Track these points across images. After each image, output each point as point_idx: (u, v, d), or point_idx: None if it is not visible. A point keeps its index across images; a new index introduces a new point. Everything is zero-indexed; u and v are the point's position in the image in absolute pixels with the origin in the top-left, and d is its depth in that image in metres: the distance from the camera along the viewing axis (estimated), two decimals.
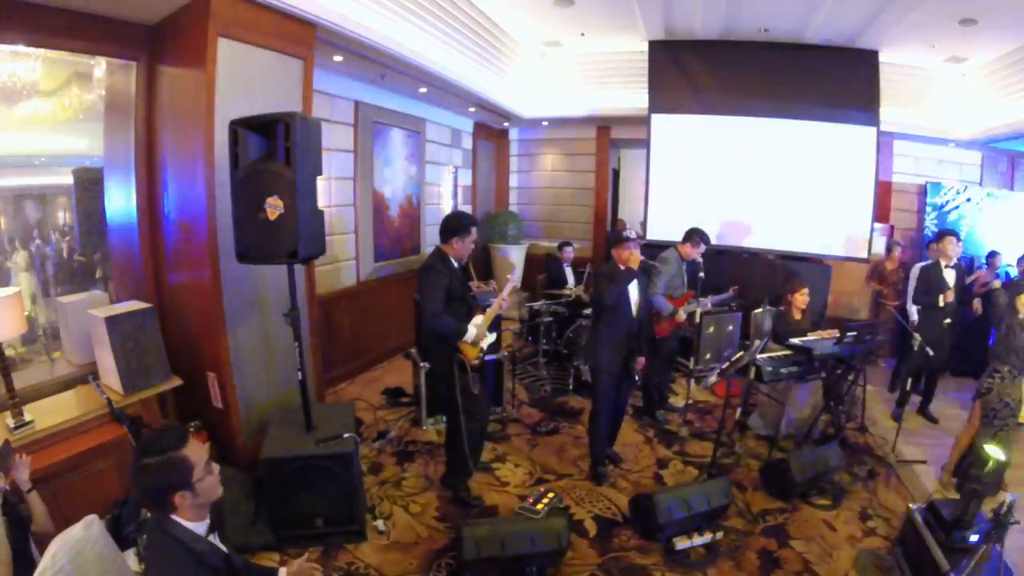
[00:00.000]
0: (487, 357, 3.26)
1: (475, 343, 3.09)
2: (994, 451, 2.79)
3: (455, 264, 3.13)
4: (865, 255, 6.04)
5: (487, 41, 5.74)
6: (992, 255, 6.06)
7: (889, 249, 5.79)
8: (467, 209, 7.73)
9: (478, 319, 3.14)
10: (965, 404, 4.96)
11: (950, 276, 4.42)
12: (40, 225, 3.20)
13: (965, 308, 4.69)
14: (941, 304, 4.34)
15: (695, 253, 4.31)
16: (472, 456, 3.26)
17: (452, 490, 3.32)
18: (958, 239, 4.51)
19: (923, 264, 4.68)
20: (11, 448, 2.12)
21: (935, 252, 4.77)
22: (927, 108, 6.40)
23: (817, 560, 2.83)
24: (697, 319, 4.27)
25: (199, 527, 1.54)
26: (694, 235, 4.32)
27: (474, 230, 3.16)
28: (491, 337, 3.22)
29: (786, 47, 5.89)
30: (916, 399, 4.68)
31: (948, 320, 4.41)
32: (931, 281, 4.45)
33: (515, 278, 3.49)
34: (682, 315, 4.24)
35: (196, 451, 1.52)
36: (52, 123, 3.17)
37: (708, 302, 4.32)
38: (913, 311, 4.69)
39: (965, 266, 6.27)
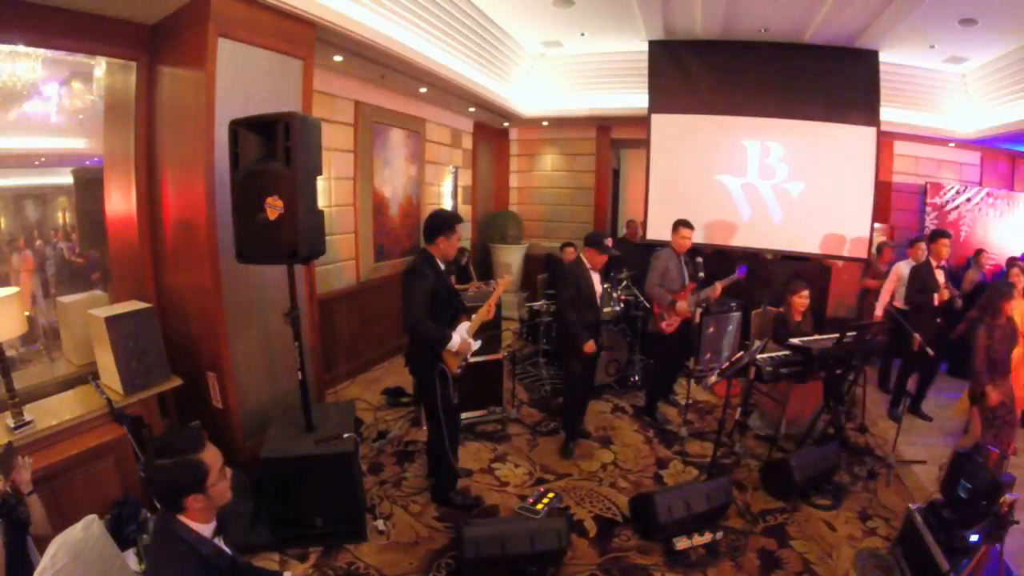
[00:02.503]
0: (484, 357, 3.18)
1: (459, 352, 2.99)
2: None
3: (441, 266, 3.02)
4: (865, 255, 6.05)
5: (487, 41, 5.74)
6: (979, 253, 6.06)
7: (880, 250, 5.80)
8: (467, 209, 7.74)
9: (464, 326, 3.02)
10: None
11: (940, 276, 4.44)
12: (40, 225, 3.20)
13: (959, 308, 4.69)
14: (936, 304, 4.35)
15: (686, 243, 4.33)
16: (453, 459, 3.19)
17: (447, 504, 3.23)
18: (950, 240, 4.52)
19: (914, 264, 4.67)
20: (13, 450, 2.12)
21: (915, 252, 4.76)
22: (927, 108, 6.40)
23: (817, 560, 2.83)
24: (697, 319, 4.27)
25: (206, 529, 1.55)
26: (677, 225, 4.36)
27: (459, 227, 3.05)
28: (476, 345, 3.12)
29: (786, 47, 5.89)
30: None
31: (938, 319, 4.42)
32: (923, 280, 4.46)
33: (508, 281, 3.43)
34: (683, 306, 4.22)
35: (212, 456, 1.52)
36: (52, 123, 3.17)
37: (717, 286, 4.32)
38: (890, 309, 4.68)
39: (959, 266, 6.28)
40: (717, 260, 6.17)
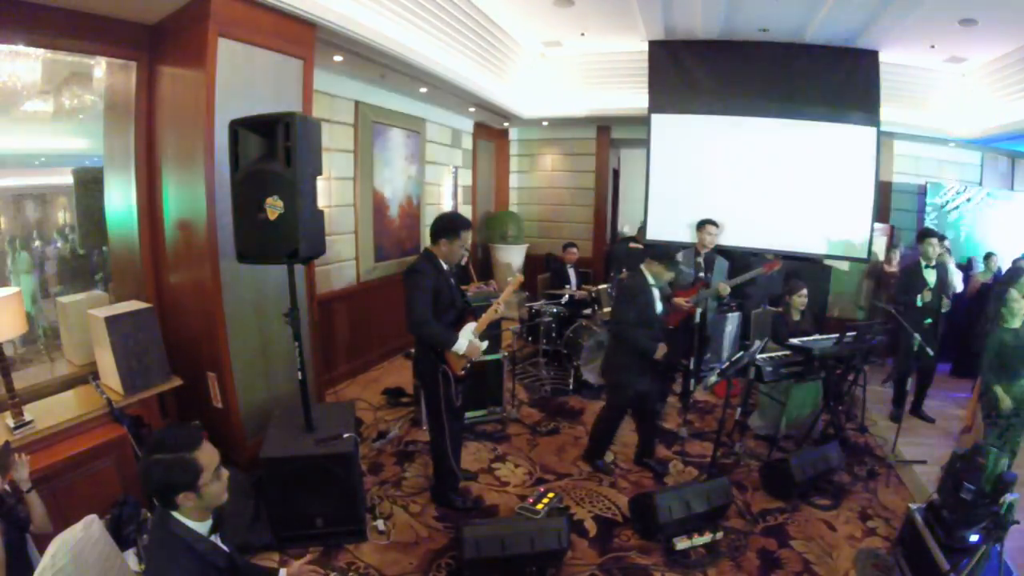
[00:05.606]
0: (485, 356, 3.13)
1: (464, 354, 2.93)
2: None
3: (444, 265, 2.98)
4: (865, 255, 6.04)
5: (487, 41, 5.73)
6: (988, 256, 6.05)
7: (889, 255, 5.78)
8: (467, 209, 7.73)
9: (470, 327, 2.98)
10: (964, 405, 4.96)
11: (931, 276, 4.38)
12: (40, 225, 3.20)
13: (961, 308, 4.65)
14: (920, 304, 4.32)
15: (708, 241, 4.45)
16: (455, 462, 3.17)
17: (447, 506, 3.22)
18: (940, 240, 4.47)
19: (904, 264, 4.66)
20: (11, 448, 2.12)
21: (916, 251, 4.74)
22: (927, 108, 6.39)
23: (817, 560, 2.83)
24: (697, 319, 4.27)
25: (201, 527, 1.54)
26: (700, 224, 4.54)
27: (465, 235, 2.97)
28: (483, 346, 3.06)
29: (786, 47, 5.88)
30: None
31: (929, 320, 4.38)
32: (911, 280, 4.43)
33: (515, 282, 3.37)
34: (679, 301, 4.28)
35: (208, 455, 1.52)
36: (52, 123, 3.17)
37: (723, 284, 4.36)
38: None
39: (963, 265, 6.26)
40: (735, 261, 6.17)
